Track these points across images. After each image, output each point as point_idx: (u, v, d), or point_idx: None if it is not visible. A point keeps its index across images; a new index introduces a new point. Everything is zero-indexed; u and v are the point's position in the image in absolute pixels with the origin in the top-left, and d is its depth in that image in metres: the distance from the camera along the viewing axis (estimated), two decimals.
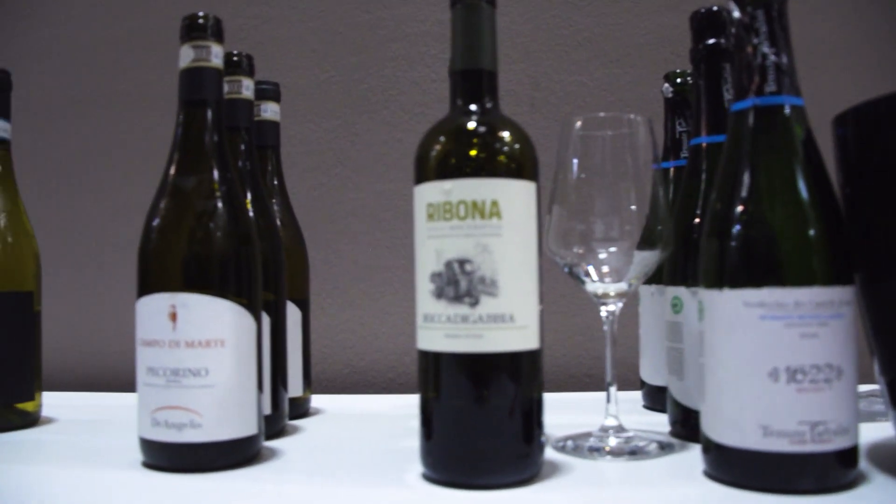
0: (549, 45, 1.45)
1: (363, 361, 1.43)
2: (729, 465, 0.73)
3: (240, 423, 0.82)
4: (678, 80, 1.14)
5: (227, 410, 0.81)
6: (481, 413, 0.74)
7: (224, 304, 0.80)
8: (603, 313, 0.90)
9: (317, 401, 1.23)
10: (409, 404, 1.16)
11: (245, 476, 0.80)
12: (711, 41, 0.93)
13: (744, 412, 0.71)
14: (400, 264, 1.44)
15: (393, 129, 1.46)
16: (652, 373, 1.15)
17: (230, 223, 0.82)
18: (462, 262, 0.73)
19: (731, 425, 0.72)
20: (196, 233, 0.82)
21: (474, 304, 0.73)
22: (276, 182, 1.14)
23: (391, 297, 1.45)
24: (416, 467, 0.80)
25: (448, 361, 0.74)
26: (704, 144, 0.95)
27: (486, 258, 0.73)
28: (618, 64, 1.45)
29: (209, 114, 0.85)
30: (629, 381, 1.26)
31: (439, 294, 0.74)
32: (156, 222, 0.83)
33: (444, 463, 0.75)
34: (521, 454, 0.74)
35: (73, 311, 1.52)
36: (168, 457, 0.81)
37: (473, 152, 0.76)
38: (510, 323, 0.74)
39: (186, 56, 0.85)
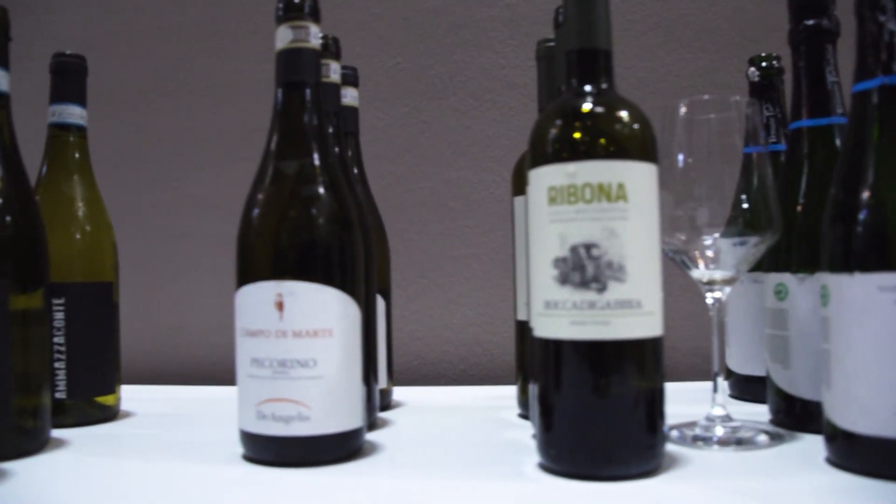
0: (619, 29, 1.41)
1: (433, 353, 1.40)
2: (859, 452, 0.71)
3: (347, 415, 0.79)
4: (763, 64, 1.12)
5: (335, 402, 0.78)
6: (608, 403, 0.71)
7: (331, 293, 0.78)
8: (709, 300, 0.87)
9: (394, 392, 1.20)
10: (491, 395, 1.14)
11: (353, 470, 0.78)
12: (812, 22, 0.89)
13: (878, 398, 0.69)
14: (469, 253, 1.41)
15: (462, 117, 1.43)
16: (742, 362, 1.12)
17: (336, 208, 0.80)
18: (588, 247, 0.71)
19: (863, 412, 0.70)
20: (303, 218, 0.80)
21: (602, 289, 0.70)
22: (356, 170, 1.11)
23: (461, 287, 1.42)
24: (530, 458, 0.78)
25: (573, 349, 0.72)
26: (805, 128, 0.91)
27: (614, 242, 0.71)
28: (689, 49, 1.41)
29: (308, 95, 0.82)
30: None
31: (564, 280, 0.71)
32: (259, 208, 0.80)
33: (568, 454, 0.72)
34: (647, 445, 0.72)
35: (140, 303, 1.49)
36: (275, 451, 0.78)
37: (599, 134, 0.73)
38: (637, 309, 0.71)
39: (284, 37, 0.82)
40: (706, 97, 0.87)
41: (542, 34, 1.37)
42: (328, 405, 0.78)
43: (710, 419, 0.87)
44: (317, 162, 0.81)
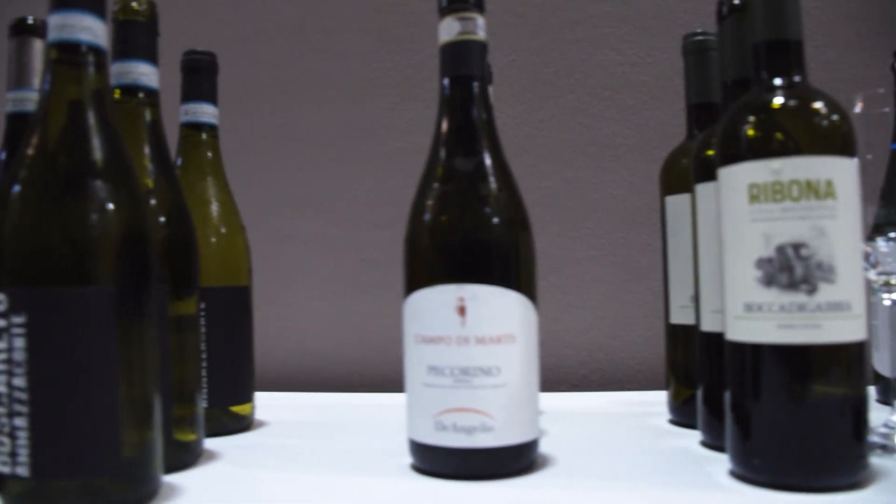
0: None
1: (553, 358, 1.36)
2: None
3: (528, 425, 0.76)
4: None
5: (517, 412, 0.75)
6: (816, 410, 0.68)
7: (513, 296, 0.75)
8: (886, 302, 0.83)
9: None
10: (627, 401, 1.11)
11: (537, 483, 0.75)
12: None
13: None
14: (589, 255, 1.37)
15: (579, 115, 1.39)
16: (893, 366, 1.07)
17: (514, 207, 0.77)
18: (797, 247, 0.67)
19: None
20: (485, 219, 0.76)
21: (811, 291, 0.67)
22: None
23: (581, 290, 1.38)
24: (715, 467, 0.76)
25: (778, 354, 0.68)
26: None
27: (823, 242, 0.67)
28: (811, 43, 1.36)
29: (475, 89, 0.78)
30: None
31: (769, 281, 0.68)
32: (434, 208, 0.77)
33: (774, 464, 0.69)
34: (856, 455, 0.68)
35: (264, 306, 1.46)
36: (456, 463, 0.75)
37: (805, 129, 0.70)
38: (847, 311, 0.68)
39: (451, 29, 0.79)
40: (881, 90, 0.83)
41: (659, 30, 1.34)
42: (511, 415, 0.75)
43: (890, 426, 0.83)
44: (490, 158, 0.77)
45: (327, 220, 1.44)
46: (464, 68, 0.79)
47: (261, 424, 1.04)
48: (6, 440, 0.63)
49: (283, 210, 1.48)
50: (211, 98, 1.02)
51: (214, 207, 1.00)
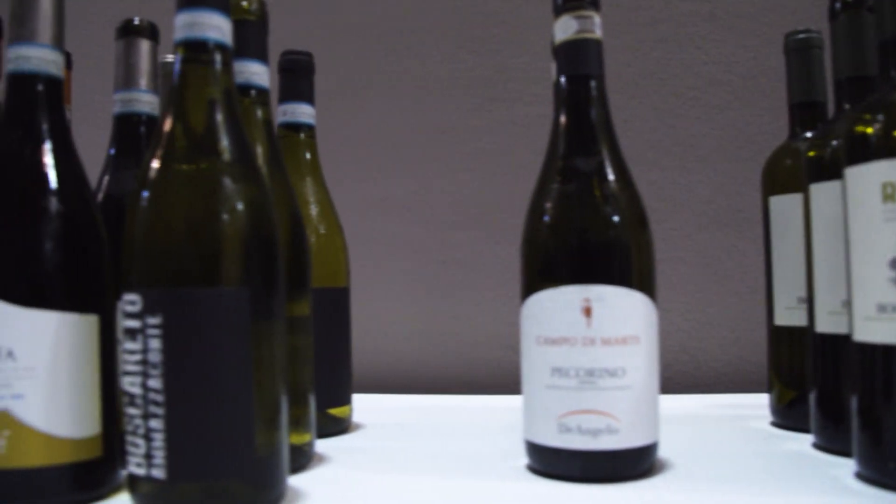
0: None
1: None
2: None
3: (651, 427, 0.75)
4: None
5: (641, 414, 0.74)
6: None
7: (638, 297, 0.74)
8: None
9: None
10: (722, 404, 1.11)
11: (663, 486, 0.74)
12: None
13: None
14: (675, 257, 1.36)
15: (663, 115, 1.38)
16: None
17: (636, 206, 0.76)
18: None
19: None
20: (610, 218, 0.75)
21: None
22: None
23: (666, 291, 1.36)
24: (837, 470, 0.76)
25: None
26: None
27: None
28: None
29: (594, 88, 0.77)
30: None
31: None
32: (557, 208, 0.76)
33: None
34: None
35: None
36: (580, 466, 0.73)
37: None
38: None
39: (568, 27, 0.78)
40: None
41: (744, 28, 1.33)
42: (635, 417, 0.74)
43: None
44: (611, 157, 0.76)
45: (407, 221, 1.43)
46: (582, 67, 0.78)
47: (357, 427, 1.03)
48: (141, 442, 0.62)
49: (363, 211, 1.47)
50: (309, 98, 1.01)
51: (314, 208, 0.99)
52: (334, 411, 0.98)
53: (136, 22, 0.85)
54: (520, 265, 0.77)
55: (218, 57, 0.67)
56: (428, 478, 0.78)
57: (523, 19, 1.43)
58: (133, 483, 0.64)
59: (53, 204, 0.69)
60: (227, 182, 0.64)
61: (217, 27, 0.67)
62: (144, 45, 0.85)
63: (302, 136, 1.00)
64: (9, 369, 0.65)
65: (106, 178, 0.85)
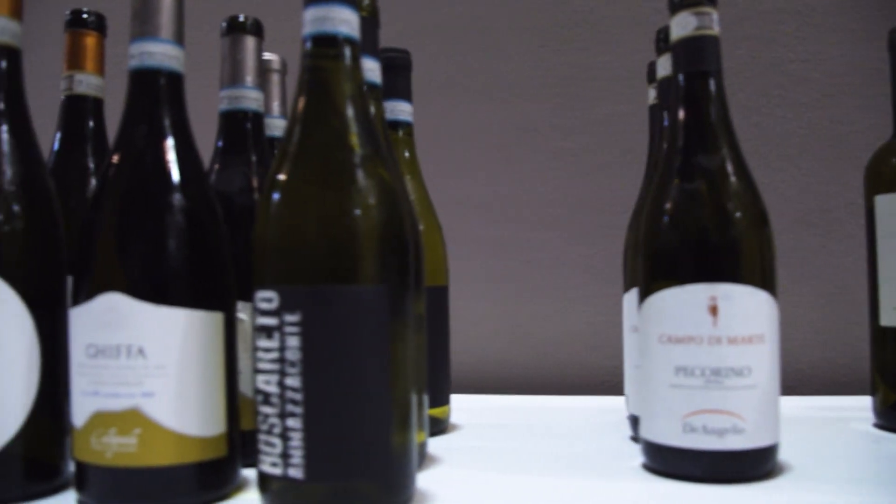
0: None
1: None
2: None
3: (775, 427, 0.74)
4: None
5: (766, 413, 0.73)
6: None
7: (763, 295, 0.73)
8: None
9: None
10: (818, 406, 1.10)
11: (781, 487, 0.72)
12: None
13: None
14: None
15: (750, 114, 1.37)
16: None
17: (758, 204, 0.76)
18: None
19: None
20: (737, 216, 0.74)
21: None
22: None
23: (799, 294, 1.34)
24: None
25: None
26: None
27: None
28: None
29: (713, 85, 0.76)
30: None
31: None
32: (679, 207, 0.76)
33: None
34: None
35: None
36: (705, 466, 0.72)
37: None
38: None
39: (687, 23, 0.77)
40: None
41: (831, 25, 1.31)
42: (760, 417, 0.72)
43: None
44: (732, 154, 0.76)
45: (491, 221, 1.42)
46: (702, 64, 0.77)
47: (455, 427, 1.02)
48: (277, 441, 0.62)
49: (449, 210, 1.46)
50: (407, 96, 1.01)
51: (415, 206, 0.98)
52: (434, 412, 0.97)
53: (242, 19, 0.84)
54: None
55: (348, 51, 0.66)
56: (547, 478, 0.78)
57: (606, 17, 1.42)
58: (265, 482, 0.63)
59: (181, 200, 0.69)
60: (366, 177, 0.64)
61: (347, 21, 0.66)
62: (250, 42, 0.85)
63: (401, 133, 1.00)
64: (139, 367, 0.65)
65: (212, 175, 0.84)
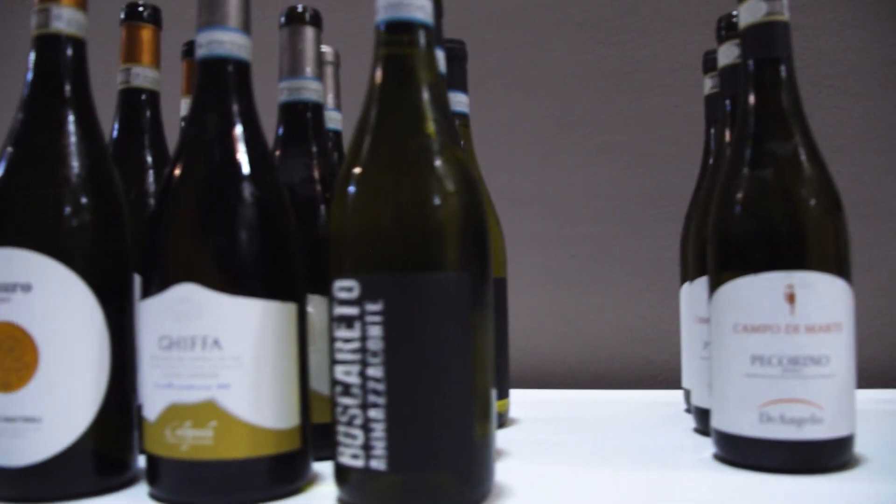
0: None
1: None
2: None
3: (852, 417, 0.73)
4: None
5: (844, 403, 0.72)
6: None
7: (839, 283, 0.72)
8: None
9: None
10: (876, 399, 1.06)
11: (852, 478, 0.71)
12: None
13: None
14: None
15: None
16: None
17: (832, 190, 0.76)
18: None
19: None
20: (811, 202, 0.74)
21: None
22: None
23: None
24: None
25: None
26: None
27: None
28: None
29: (784, 72, 0.76)
30: None
31: None
32: (754, 195, 0.74)
33: None
34: None
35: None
36: (783, 456, 0.71)
37: None
38: None
39: (757, 10, 0.77)
40: None
41: (886, 13, 1.29)
42: (838, 406, 0.71)
43: None
44: (805, 141, 0.74)
45: (538, 215, 1.41)
46: (772, 50, 0.77)
47: (513, 422, 1.02)
48: (358, 432, 0.61)
49: (495, 204, 1.46)
50: (463, 87, 1.00)
51: None
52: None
53: (300, 9, 0.84)
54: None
55: (424, 37, 0.66)
56: (620, 471, 0.76)
57: (652, 9, 1.41)
58: (345, 474, 0.63)
59: (256, 190, 0.68)
60: (449, 164, 0.63)
61: (421, 7, 0.66)
62: (309, 33, 0.85)
63: (457, 124, 0.98)
64: (215, 358, 0.64)
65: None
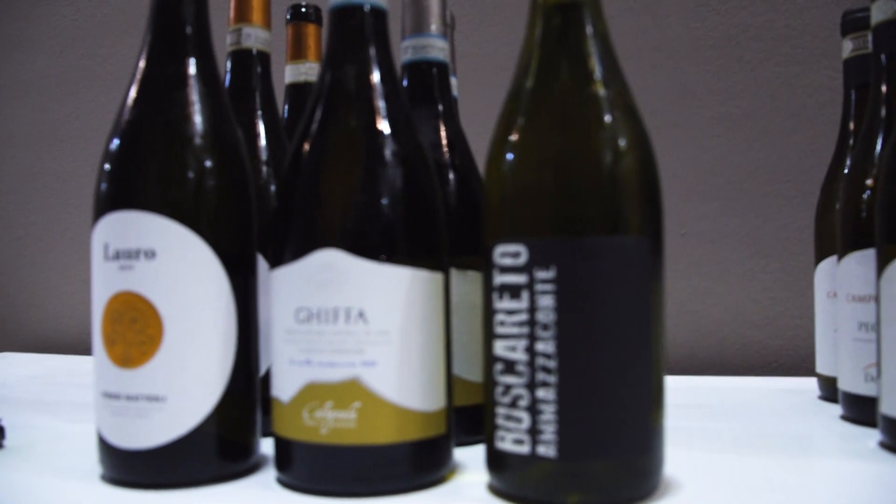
0: None
1: None
2: None
3: None
4: None
5: None
6: None
7: None
8: None
9: None
10: None
11: None
12: None
13: None
14: None
15: None
16: None
17: None
18: None
19: None
20: None
21: None
22: None
23: None
24: None
25: None
26: None
27: None
28: None
29: None
30: None
31: None
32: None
33: None
34: None
35: None
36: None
37: None
38: None
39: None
40: None
41: None
42: None
43: None
44: None
45: None
46: None
47: None
48: (524, 415, 0.54)
49: None
50: None
51: None
52: None
53: None
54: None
55: None
56: (788, 460, 0.70)
57: None
58: (502, 461, 0.56)
59: (402, 149, 0.62)
60: (625, 115, 0.56)
61: None
62: None
63: None
64: (360, 332, 0.58)
65: None
